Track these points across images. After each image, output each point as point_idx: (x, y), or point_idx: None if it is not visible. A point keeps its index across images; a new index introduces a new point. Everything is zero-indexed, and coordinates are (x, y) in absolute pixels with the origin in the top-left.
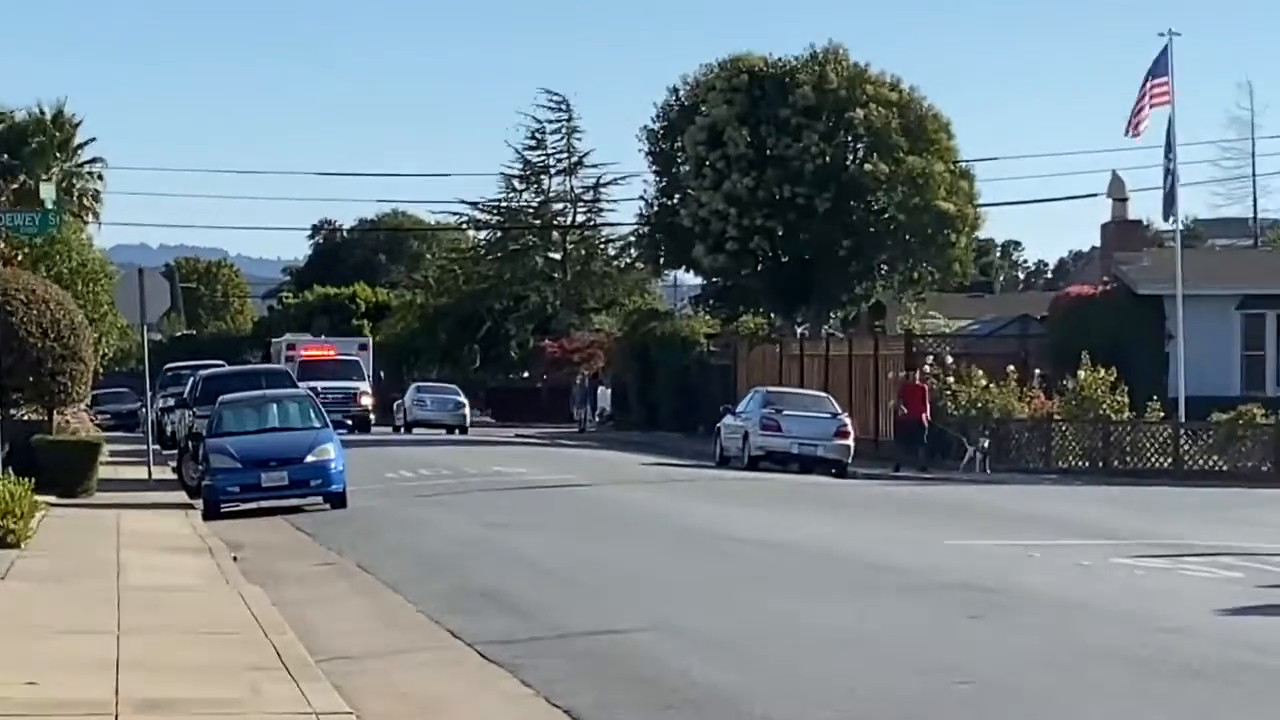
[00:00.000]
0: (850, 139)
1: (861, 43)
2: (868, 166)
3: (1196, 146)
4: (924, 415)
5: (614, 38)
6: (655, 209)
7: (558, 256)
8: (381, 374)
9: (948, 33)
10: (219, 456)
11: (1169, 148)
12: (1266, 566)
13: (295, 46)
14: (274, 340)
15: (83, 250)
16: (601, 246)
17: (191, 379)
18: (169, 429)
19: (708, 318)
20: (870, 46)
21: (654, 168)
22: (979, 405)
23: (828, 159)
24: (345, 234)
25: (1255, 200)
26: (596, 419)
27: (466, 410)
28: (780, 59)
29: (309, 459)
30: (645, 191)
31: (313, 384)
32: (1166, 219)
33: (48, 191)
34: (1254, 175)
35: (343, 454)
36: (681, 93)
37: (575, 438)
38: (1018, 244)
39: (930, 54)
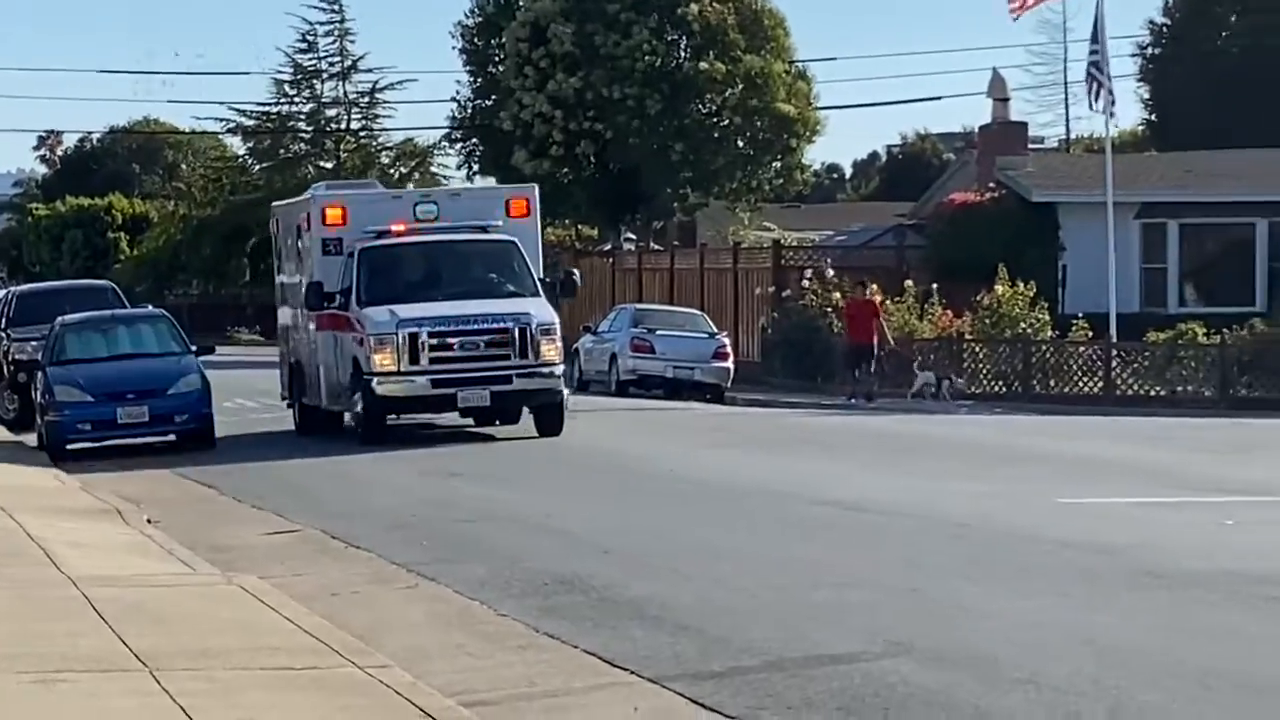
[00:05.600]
0: (683, 36)
1: None
2: (703, 65)
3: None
4: (875, 338)
5: None
6: (470, 111)
7: (330, 166)
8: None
9: None
10: (65, 388)
11: (1095, 38)
12: None
13: None
14: (279, 205)
15: None
16: (378, 154)
17: (2, 296)
18: None
19: None
20: None
21: (469, 67)
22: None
23: (659, 58)
24: (94, 143)
25: (1067, 108)
26: None
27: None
28: None
29: (172, 391)
30: (458, 93)
31: (405, 310)
32: (1104, 115)
33: None
34: (1065, 83)
35: (208, 385)
36: None
37: None
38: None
39: None
